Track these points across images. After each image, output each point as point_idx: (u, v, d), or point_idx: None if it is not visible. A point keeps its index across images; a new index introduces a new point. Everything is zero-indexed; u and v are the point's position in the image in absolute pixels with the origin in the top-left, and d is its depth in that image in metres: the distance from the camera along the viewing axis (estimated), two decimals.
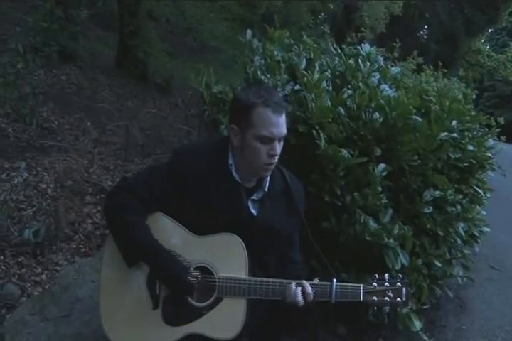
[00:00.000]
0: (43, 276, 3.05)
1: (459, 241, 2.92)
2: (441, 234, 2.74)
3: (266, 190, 1.75)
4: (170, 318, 1.64)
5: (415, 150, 2.57)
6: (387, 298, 1.67)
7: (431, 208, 2.68)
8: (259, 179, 1.76)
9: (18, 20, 7.64)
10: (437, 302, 3.24)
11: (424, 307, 2.69)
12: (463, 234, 2.90)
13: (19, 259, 3.07)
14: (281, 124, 1.64)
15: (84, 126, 4.95)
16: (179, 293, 1.64)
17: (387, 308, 1.68)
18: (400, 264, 2.48)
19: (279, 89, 2.60)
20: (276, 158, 1.66)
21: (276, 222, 1.75)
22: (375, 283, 1.68)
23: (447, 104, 2.76)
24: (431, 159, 2.62)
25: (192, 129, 5.07)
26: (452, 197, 2.74)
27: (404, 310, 2.50)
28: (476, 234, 3.17)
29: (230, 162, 1.71)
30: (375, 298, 1.67)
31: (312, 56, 2.88)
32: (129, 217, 1.63)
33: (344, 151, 2.36)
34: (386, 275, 1.70)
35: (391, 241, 2.44)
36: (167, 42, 9.91)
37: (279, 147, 1.66)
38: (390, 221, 2.53)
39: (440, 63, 4.45)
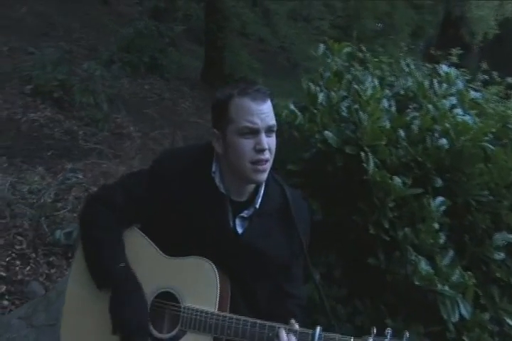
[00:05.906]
0: None
1: None
2: None
3: (257, 206, 1.50)
4: None
5: (486, 184, 2.23)
6: None
7: (503, 254, 2.29)
8: (253, 193, 1.52)
9: (116, 32, 8.08)
10: None
11: None
12: None
13: (50, 259, 3.06)
14: (264, 112, 1.40)
15: (153, 135, 5.00)
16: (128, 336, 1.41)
17: None
18: (457, 316, 2.13)
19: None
20: (266, 154, 1.41)
21: (265, 244, 1.49)
22: (371, 340, 1.34)
23: None
24: (506, 196, 2.26)
25: None
26: None
27: None
28: None
29: (214, 169, 1.50)
30: None
31: (377, 73, 2.65)
32: (100, 235, 1.47)
33: (396, 179, 2.08)
34: (389, 330, 1.36)
35: (446, 288, 2.10)
36: (259, 60, 10.05)
37: (267, 140, 1.41)
38: (449, 264, 2.20)
39: None
